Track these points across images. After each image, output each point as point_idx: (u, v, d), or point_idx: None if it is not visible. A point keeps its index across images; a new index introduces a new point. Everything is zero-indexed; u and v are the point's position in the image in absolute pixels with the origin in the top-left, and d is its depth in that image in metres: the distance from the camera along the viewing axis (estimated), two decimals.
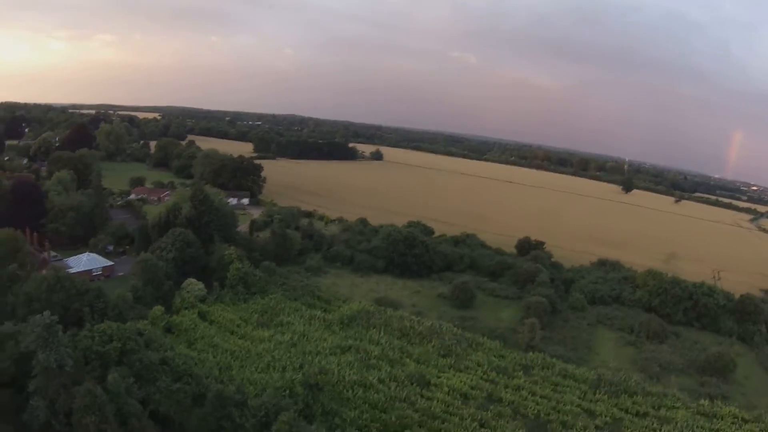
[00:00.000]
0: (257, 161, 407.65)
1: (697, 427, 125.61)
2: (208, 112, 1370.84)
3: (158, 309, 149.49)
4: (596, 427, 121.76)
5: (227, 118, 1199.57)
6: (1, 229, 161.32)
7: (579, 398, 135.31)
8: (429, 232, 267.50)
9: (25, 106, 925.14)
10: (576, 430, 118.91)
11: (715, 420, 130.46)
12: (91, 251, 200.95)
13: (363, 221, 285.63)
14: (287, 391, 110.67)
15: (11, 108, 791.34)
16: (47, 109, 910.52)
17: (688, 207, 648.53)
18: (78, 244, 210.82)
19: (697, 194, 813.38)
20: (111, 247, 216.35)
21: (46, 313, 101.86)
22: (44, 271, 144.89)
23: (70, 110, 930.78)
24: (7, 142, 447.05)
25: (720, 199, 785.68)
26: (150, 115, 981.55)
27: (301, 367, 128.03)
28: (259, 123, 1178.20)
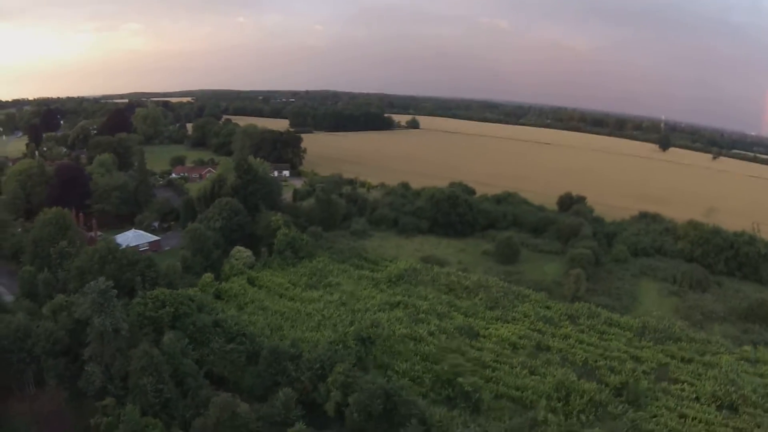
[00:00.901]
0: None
1: (741, 371, 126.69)
2: (240, 92, 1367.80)
3: (208, 276, 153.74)
4: (643, 371, 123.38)
5: (260, 97, 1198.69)
6: (49, 209, 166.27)
7: (625, 345, 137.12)
8: (470, 192, 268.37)
9: (58, 100, 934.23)
10: (624, 374, 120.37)
11: (758, 365, 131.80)
12: (137, 228, 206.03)
13: (405, 185, 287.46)
14: (340, 345, 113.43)
15: (45, 102, 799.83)
16: (80, 100, 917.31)
17: (726, 163, 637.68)
18: (124, 223, 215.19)
19: (735, 151, 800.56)
20: (156, 224, 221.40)
21: (101, 279, 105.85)
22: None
23: (102, 101, 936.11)
24: (45, 135, 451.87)
25: (758, 155, 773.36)
26: (183, 100, 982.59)
27: (351, 324, 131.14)
28: (293, 100, 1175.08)
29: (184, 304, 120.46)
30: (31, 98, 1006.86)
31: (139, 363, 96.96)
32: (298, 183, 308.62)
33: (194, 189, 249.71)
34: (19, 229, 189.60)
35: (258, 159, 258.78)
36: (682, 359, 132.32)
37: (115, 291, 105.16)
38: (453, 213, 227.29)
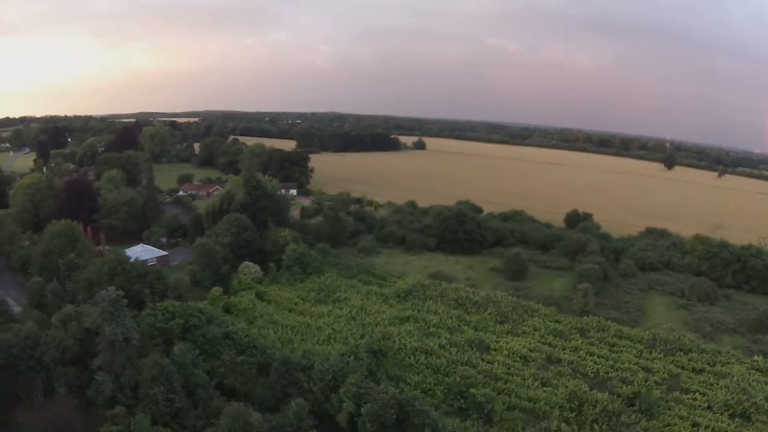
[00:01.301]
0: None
1: (752, 380, 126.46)
2: (247, 114, 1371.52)
3: (216, 290, 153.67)
4: (654, 382, 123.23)
5: (267, 119, 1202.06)
6: (58, 221, 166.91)
7: (636, 357, 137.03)
8: (477, 210, 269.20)
9: (66, 119, 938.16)
10: (636, 384, 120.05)
11: None
12: (144, 243, 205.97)
13: (412, 204, 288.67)
14: (351, 357, 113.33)
15: (52, 120, 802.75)
16: (87, 119, 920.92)
17: (732, 180, 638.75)
18: (132, 239, 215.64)
19: (740, 168, 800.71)
20: (164, 239, 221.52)
21: (111, 288, 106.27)
22: None
23: (109, 120, 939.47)
24: (52, 151, 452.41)
25: (763, 172, 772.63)
26: (190, 121, 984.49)
27: (362, 337, 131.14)
28: (299, 122, 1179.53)
29: (194, 316, 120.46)
30: (38, 116, 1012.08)
31: (149, 372, 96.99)
32: (305, 201, 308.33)
33: (202, 206, 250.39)
34: (27, 242, 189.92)
35: (267, 176, 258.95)
36: (693, 370, 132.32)
37: (126, 300, 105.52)
38: (460, 230, 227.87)
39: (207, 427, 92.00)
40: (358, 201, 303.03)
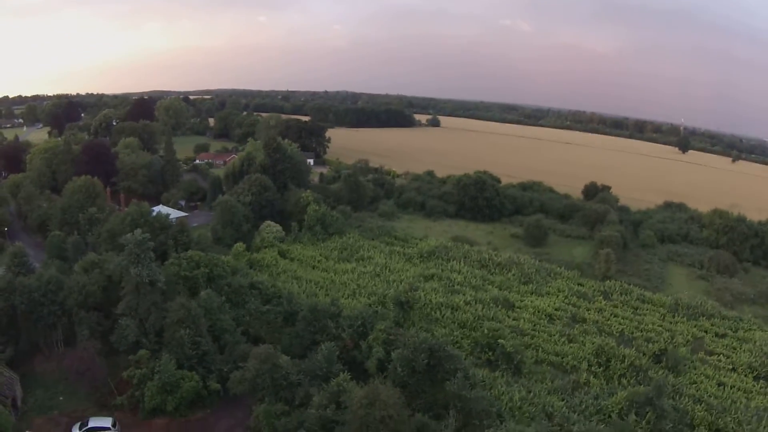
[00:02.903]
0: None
1: None
2: (260, 92, 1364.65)
3: (240, 245, 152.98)
4: (679, 343, 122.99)
5: (279, 96, 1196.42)
6: (80, 177, 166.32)
7: (659, 320, 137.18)
8: (496, 180, 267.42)
9: (78, 96, 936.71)
10: (662, 342, 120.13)
11: None
12: (164, 205, 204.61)
13: (430, 173, 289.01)
14: (379, 307, 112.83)
15: (65, 98, 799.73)
16: (100, 96, 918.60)
17: (746, 166, 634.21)
18: (150, 202, 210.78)
19: (754, 155, 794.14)
20: (183, 202, 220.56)
21: (137, 230, 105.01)
22: None
23: (122, 97, 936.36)
24: (67, 125, 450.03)
25: None
26: (204, 98, 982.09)
27: (386, 294, 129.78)
28: (312, 100, 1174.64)
29: (218, 266, 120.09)
30: (50, 94, 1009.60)
31: (176, 315, 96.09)
32: (322, 171, 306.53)
33: (221, 171, 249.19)
34: (44, 204, 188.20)
35: (286, 140, 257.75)
36: (716, 334, 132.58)
37: (152, 243, 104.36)
38: (480, 197, 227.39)
39: (234, 371, 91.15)
40: (376, 170, 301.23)
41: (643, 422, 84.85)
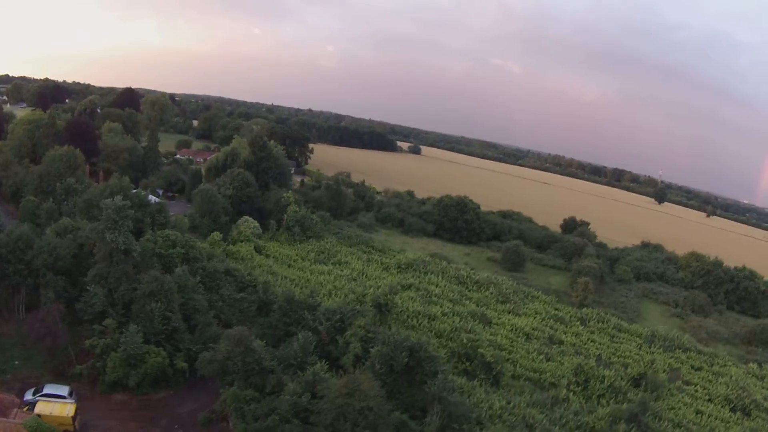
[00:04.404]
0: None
1: (750, 383, 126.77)
2: (244, 102, 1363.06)
3: (216, 234, 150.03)
4: (658, 369, 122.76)
5: (264, 109, 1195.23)
6: (61, 147, 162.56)
7: (636, 349, 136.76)
8: (476, 206, 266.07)
9: (65, 83, 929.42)
10: (641, 366, 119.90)
11: (765, 380, 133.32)
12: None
13: (410, 193, 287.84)
14: (358, 305, 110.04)
15: (53, 82, 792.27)
16: (87, 85, 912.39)
17: (720, 222, 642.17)
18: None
19: (728, 213, 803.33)
20: (160, 191, 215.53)
21: (118, 197, 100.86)
22: None
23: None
24: (52, 106, 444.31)
25: (750, 219, 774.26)
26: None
27: (364, 295, 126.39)
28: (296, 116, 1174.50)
29: (194, 248, 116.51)
30: (38, 77, 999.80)
31: (148, 287, 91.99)
32: (304, 179, 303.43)
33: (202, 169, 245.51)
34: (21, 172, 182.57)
35: (272, 141, 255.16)
36: (692, 367, 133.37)
37: (132, 211, 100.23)
38: (460, 219, 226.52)
39: (203, 351, 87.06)
40: (357, 185, 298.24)
41: None
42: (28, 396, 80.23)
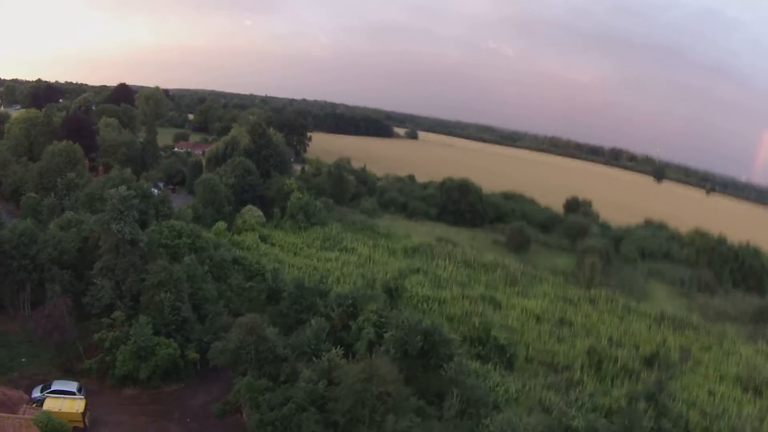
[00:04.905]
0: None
1: (761, 362, 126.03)
2: (238, 95, 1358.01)
3: (221, 224, 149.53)
4: (670, 348, 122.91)
5: (258, 100, 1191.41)
6: (60, 142, 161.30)
7: (646, 329, 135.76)
8: (478, 188, 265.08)
9: (57, 84, 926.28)
10: (653, 345, 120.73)
11: None
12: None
13: (411, 177, 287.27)
14: (369, 290, 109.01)
15: (45, 83, 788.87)
16: (80, 85, 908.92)
17: (719, 199, 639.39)
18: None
19: (727, 190, 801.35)
20: (161, 184, 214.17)
21: (122, 186, 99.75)
22: None
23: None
24: (46, 106, 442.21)
25: (749, 196, 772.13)
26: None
27: (374, 280, 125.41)
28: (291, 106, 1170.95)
29: (200, 238, 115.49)
30: (30, 80, 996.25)
31: (156, 277, 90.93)
32: (304, 167, 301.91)
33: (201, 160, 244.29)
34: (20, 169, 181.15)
35: (271, 129, 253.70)
36: (702, 346, 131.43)
37: (137, 201, 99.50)
38: (463, 201, 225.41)
39: (215, 341, 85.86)
40: (358, 170, 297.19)
41: (646, 416, 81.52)
42: (36, 393, 79.01)
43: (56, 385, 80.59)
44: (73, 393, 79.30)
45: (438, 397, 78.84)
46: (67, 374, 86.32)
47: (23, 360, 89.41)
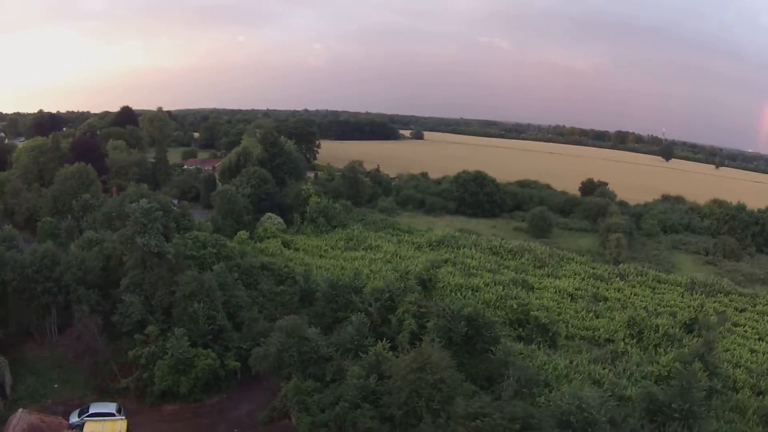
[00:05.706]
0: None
1: None
2: (240, 111, 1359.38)
3: (243, 233, 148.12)
4: (708, 313, 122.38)
5: (260, 115, 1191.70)
6: (71, 165, 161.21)
7: (679, 297, 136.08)
8: (493, 179, 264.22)
9: (59, 114, 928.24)
10: (692, 311, 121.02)
11: None
12: None
13: (425, 174, 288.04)
14: (404, 283, 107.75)
15: (48, 114, 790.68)
16: (81, 114, 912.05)
17: (729, 172, 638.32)
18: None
19: (736, 162, 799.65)
20: (176, 200, 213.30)
21: (143, 200, 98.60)
22: None
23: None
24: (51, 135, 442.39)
25: (759, 167, 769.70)
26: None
27: (407, 272, 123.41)
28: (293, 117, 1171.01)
29: (226, 247, 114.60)
30: (31, 112, 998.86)
31: (187, 288, 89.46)
32: (317, 173, 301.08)
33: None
34: (33, 196, 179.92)
35: (282, 137, 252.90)
36: (736, 309, 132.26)
37: (160, 213, 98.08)
38: (481, 192, 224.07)
39: (254, 347, 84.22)
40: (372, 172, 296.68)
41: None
42: (74, 419, 76.89)
43: (94, 408, 78.68)
44: (112, 414, 77.71)
45: (488, 381, 77.81)
46: (104, 395, 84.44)
47: (55, 386, 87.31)
